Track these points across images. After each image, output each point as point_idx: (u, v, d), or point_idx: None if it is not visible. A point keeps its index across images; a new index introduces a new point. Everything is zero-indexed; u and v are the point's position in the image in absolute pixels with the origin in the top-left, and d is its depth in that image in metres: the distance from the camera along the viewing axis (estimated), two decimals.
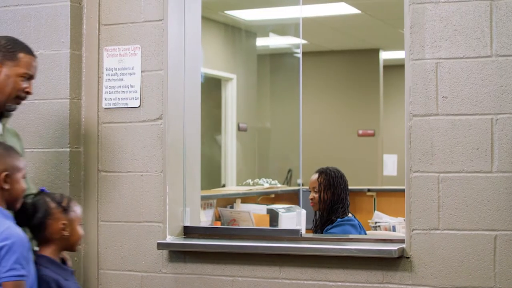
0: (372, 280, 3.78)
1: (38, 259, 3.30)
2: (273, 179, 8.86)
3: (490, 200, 3.60)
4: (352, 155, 11.62)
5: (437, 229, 3.67)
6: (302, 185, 5.96)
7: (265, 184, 8.56)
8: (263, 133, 10.55)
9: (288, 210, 6.32)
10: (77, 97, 4.36)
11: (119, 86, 4.31)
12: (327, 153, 11.78)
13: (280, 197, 7.73)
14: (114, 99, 4.32)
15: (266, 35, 10.81)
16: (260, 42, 10.89)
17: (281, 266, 3.95)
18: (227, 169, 9.97)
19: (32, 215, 3.29)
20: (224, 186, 9.56)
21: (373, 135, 11.99)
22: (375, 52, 12.10)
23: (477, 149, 3.63)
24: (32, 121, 4.36)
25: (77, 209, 3.42)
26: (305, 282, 3.89)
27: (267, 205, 6.24)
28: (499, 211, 3.59)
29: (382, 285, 3.76)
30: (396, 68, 12.38)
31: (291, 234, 4.10)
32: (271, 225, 5.91)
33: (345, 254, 3.80)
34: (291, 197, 7.94)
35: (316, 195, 4.86)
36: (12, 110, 3.59)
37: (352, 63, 12.28)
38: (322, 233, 4.79)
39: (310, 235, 4.53)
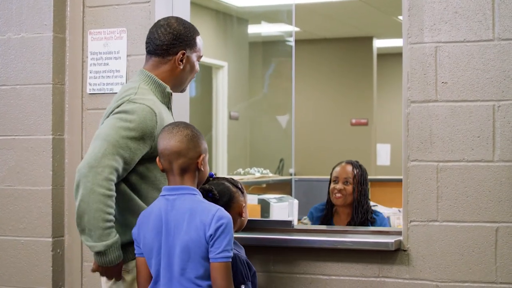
0: (367, 274, 3.66)
1: None
2: (264, 168, 8.75)
3: (492, 190, 3.48)
4: (345, 144, 11.53)
5: (436, 221, 3.56)
6: (295, 174, 5.85)
7: (256, 174, 8.46)
8: (254, 121, 10.44)
9: (280, 200, 6.23)
10: (61, 82, 4.24)
11: (104, 71, 4.19)
12: (319, 142, 11.71)
13: (271, 186, 7.64)
14: (99, 84, 4.20)
15: (258, 22, 10.70)
16: (252, 29, 10.79)
17: (273, 259, 3.83)
18: (218, 158, 9.89)
19: (218, 200, 3.32)
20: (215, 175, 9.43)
21: (366, 124, 11.89)
22: (368, 40, 12.02)
23: (478, 137, 3.51)
24: (13, 107, 4.25)
25: (245, 192, 3.52)
26: (298, 275, 3.77)
27: (258, 195, 6.13)
28: (501, 202, 3.47)
29: (378, 279, 3.64)
30: (390, 56, 12.30)
31: (283, 225, 3.99)
32: (262, 215, 5.81)
33: (339, 246, 3.69)
34: (283, 187, 7.84)
35: (348, 187, 4.68)
36: (184, 91, 3.60)
37: (345, 51, 12.20)
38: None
39: (303, 226, 4.39)
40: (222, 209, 3.12)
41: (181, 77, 3.45)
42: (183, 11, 4.29)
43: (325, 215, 4.78)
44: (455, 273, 3.52)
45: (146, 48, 3.44)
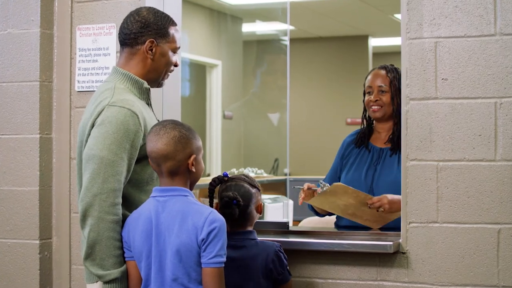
0: (365, 277, 3.56)
1: (252, 234, 3.37)
2: (259, 168, 8.67)
3: (494, 190, 3.38)
4: (340, 143, 11.45)
5: (436, 222, 3.45)
6: (289, 174, 5.75)
7: (250, 174, 8.37)
8: (249, 121, 10.37)
9: (274, 200, 6.17)
10: (48, 79, 4.13)
11: (93, 68, 4.09)
12: (315, 142, 11.65)
13: (266, 187, 7.55)
14: (87, 82, 4.10)
15: (253, 20, 10.65)
16: (246, 28, 10.73)
17: None
18: (211, 158, 9.83)
19: (241, 204, 3.31)
20: (209, 175, 9.37)
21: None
22: (364, 38, 11.98)
23: (480, 135, 3.40)
24: (0, 106, 4.14)
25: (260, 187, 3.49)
26: (292, 279, 3.64)
27: None
28: (503, 203, 3.37)
29: (376, 282, 3.54)
30: (385, 55, 12.21)
31: (278, 227, 3.90)
32: None
33: (336, 249, 3.58)
34: (278, 187, 7.78)
35: (385, 96, 4.07)
36: (162, 86, 3.48)
37: (340, 50, 12.17)
38: (397, 148, 3.97)
39: (298, 228, 4.29)
40: (215, 211, 3.03)
41: (155, 69, 3.33)
42: (175, 7, 4.19)
43: (362, 134, 4.21)
44: (456, 276, 3.42)
45: (118, 40, 3.37)
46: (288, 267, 3.35)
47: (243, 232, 3.31)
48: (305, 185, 3.97)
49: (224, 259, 2.99)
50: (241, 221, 3.33)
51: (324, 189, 3.84)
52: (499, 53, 3.38)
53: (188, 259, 2.97)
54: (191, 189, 3.13)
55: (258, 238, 3.40)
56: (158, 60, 3.32)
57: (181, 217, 2.99)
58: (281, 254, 3.33)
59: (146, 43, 3.28)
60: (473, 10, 3.42)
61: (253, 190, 3.38)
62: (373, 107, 4.11)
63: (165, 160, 3.03)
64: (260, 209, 3.41)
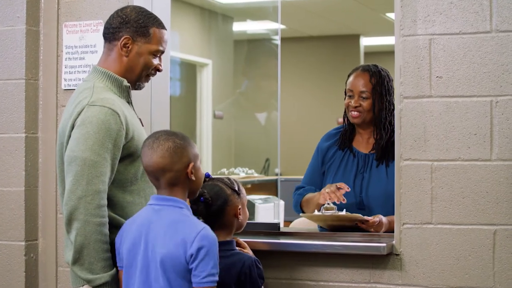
0: (358, 280, 3.50)
1: (230, 245, 3.25)
2: (249, 168, 8.62)
3: (489, 191, 3.32)
4: None
5: (430, 223, 3.40)
6: (281, 174, 5.70)
7: (241, 174, 8.33)
8: (239, 121, 10.33)
9: (265, 201, 6.13)
10: (34, 77, 4.07)
11: (80, 66, 4.03)
12: (305, 142, 11.55)
13: (257, 187, 7.52)
14: (74, 80, 4.03)
15: (243, 19, 10.61)
16: (237, 27, 10.69)
17: None
18: (202, 158, 9.75)
19: (211, 204, 3.21)
20: None
21: None
22: (355, 38, 11.94)
23: (475, 134, 3.35)
24: None
25: (244, 191, 3.36)
26: (283, 281, 3.61)
27: None
28: (499, 204, 3.31)
29: (369, 284, 3.49)
30: (377, 55, 12.18)
31: (269, 228, 3.84)
32: None
33: (328, 250, 3.52)
34: (269, 187, 7.74)
35: (366, 103, 3.91)
36: (141, 89, 3.38)
37: (331, 49, 12.13)
38: (383, 157, 3.89)
39: (289, 229, 4.22)
40: (208, 228, 2.94)
41: (131, 69, 3.25)
42: (163, 4, 4.13)
43: (342, 136, 4.05)
44: (451, 278, 3.37)
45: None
46: None
47: (220, 242, 3.11)
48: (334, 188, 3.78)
49: (217, 278, 2.89)
50: (217, 228, 3.15)
51: (335, 212, 3.74)
52: (495, 50, 3.32)
53: (172, 271, 2.88)
54: (191, 197, 3.07)
55: (248, 239, 3.34)
56: (133, 58, 3.23)
57: (173, 229, 2.91)
58: (255, 269, 3.18)
59: (122, 39, 3.20)
60: (468, 7, 3.36)
61: (229, 192, 3.25)
62: (352, 112, 3.94)
63: (163, 173, 2.96)
64: (238, 214, 3.27)
